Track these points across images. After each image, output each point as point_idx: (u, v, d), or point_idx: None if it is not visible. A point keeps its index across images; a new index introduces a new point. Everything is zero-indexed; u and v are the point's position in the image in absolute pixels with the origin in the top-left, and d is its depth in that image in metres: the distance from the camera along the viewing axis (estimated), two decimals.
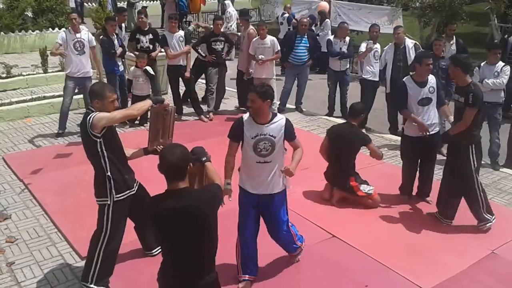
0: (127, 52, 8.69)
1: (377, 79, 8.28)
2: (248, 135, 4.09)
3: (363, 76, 8.36)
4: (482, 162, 7.03)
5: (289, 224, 4.49)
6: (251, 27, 9.11)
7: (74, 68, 7.50)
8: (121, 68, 8.34)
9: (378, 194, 5.83)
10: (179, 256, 2.99)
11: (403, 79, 5.76)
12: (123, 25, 9.32)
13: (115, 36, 8.23)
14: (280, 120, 4.11)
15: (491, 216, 5.27)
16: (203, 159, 3.30)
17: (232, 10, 14.44)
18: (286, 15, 13.67)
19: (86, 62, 7.57)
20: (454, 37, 8.27)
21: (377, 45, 8.29)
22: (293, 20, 13.07)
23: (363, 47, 8.24)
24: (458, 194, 5.32)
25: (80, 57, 7.50)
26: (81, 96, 9.15)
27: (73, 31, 7.48)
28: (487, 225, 5.26)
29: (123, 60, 8.50)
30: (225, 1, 15.46)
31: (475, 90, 5.06)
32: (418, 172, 5.93)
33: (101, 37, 8.29)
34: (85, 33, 7.61)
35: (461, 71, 5.11)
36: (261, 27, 8.65)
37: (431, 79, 5.58)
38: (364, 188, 5.69)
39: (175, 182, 2.92)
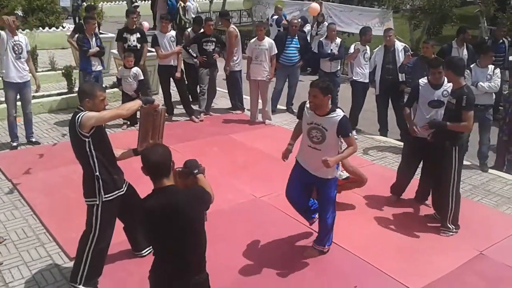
0: (105, 53, 8.66)
1: (367, 80, 8.31)
2: (305, 120, 4.50)
3: (353, 77, 8.38)
4: (470, 163, 7.13)
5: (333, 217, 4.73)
6: (232, 26, 9.16)
7: (14, 73, 6.99)
8: (100, 67, 8.31)
9: (367, 195, 5.86)
10: (167, 254, 3.02)
11: (419, 80, 5.80)
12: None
13: (94, 35, 8.19)
14: (336, 116, 4.35)
15: (454, 227, 5.27)
16: (195, 171, 3.31)
17: (191, 4, 14.76)
18: (275, 16, 13.71)
19: (24, 66, 7.14)
20: (465, 43, 8.34)
21: (367, 47, 8.32)
22: (283, 22, 13.11)
23: (352, 49, 8.28)
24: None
25: (19, 62, 7.05)
26: (70, 95, 9.16)
27: (10, 33, 7.00)
28: (448, 234, 5.26)
29: (102, 59, 8.43)
30: None
31: (468, 93, 5.07)
32: (420, 176, 5.94)
33: (77, 34, 8.33)
34: (22, 36, 7.24)
35: (452, 73, 5.12)
36: (258, 28, 8.68)
37: (448, 84, 5.51)
38: (340, 176, 5.52)
39: (161, 180, 2.98)
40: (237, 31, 9.11)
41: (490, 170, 7.13)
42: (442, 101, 5.52)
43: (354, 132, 8.33)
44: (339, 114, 4.36)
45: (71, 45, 9.40)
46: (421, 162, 5.87)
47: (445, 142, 5.15)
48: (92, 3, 13.42)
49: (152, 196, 2.99)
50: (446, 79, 5.57)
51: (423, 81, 5.71)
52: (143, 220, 3.04)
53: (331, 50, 8.73)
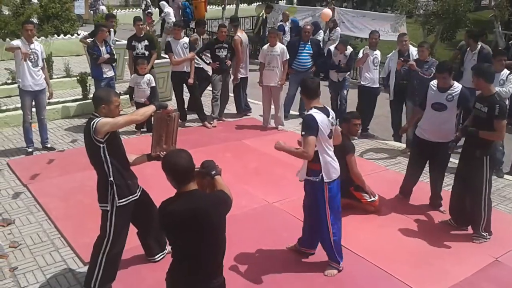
0: (115, 60, 8.81)
1: (376, 85, 8.31)
2: None
3: (361, 82, 8.38)
4: None
5: (330, 229, 4.54)
6: (238, 33, 9.22)
7: (30, 81, 7.08)
8: (111, 73, 8.40)
9: (381, 201, 5.84)
10: (186, 257, 3.03)
11: (431, 82, 5.81)
12: (111, 30, 9.44)
13: (104, 42, 8.30)
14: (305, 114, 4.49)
15: (487, 234, 5.23)
16: (213, 172, 3.32)
17: (167, 8, 15.12)
18: (280, 23, 13.86)
19: (40, 73, 7.22)
20: (479, 45, 8.19)
21: (377, 52, 8.31)
22: (287, 26, 13.28)
23: (361, 54, 8.25)
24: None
25: (35, 69, 7.11)
26: (85, 101, 9.26)
27: (27, 42, 7.08)
28: (480, 240, 5.22)
29: (112, 65, 8.53)
30: (161, 2, 16.17)
31: (500, 101, 4.98)
32: (430, 182, 5.94)
33: (88, 40, 8.47)
34: (38, 45, 7.31)
35: (484, 81, 5.02)
36: (271, 34, 8.70)
37: (456, 88, 5.50)
38: (367, 196, 5.71)
39: (187, 184, 3.00)
40: (242, 38, 9.13)
41: (505, 176, 7.06)
42: (444, 105, 5.52)
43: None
44: (308, 112, 4.42)
45: (83, 43, 9.54)
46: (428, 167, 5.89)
47: (476, 151, 5.09)
48: (108, 11, 13.58)
49: (176, 200, 3.01)
50: (455, 83, 5.55)
51: (433, 83, 5.70)
52: (165, 222, 3.05)
53: (339, 61, 8.67)
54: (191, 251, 2.99)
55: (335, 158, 4.49)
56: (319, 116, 4.31)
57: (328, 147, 4.42)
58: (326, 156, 4.39)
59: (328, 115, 4.40)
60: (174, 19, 14.44)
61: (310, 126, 4.27)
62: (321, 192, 4.46)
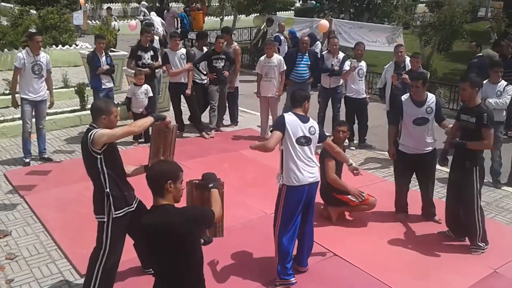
0: (115, 70, 8.80)
1: (361, 96, 8.39)
2: None
3: (346, 94, 8.43)
4: (484, 180, 7.04)
5: (276, 236, 4.58)
6: (235, 43, 9.33)
7: (31, 92, 7.14)
8: (110, 84, 8.41)
9: (378, 212, 5.82)
10: (161, 272, 3.01)
11: (402, 97, 5.79)
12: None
13: (104, 53, 8.35)
14: None
15: (484, 245, 5.22)
16: (210, 185, 3.30)
17: (154, 16, 15.21)
18: (276, 34, 13.96)
19: (42, 85, 7.28)
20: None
21: (362, 63, 8.36)
22: (282, 38, 13.30)
23: (347, 65, 8.29)
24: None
25: (38, 81, 7.16)
26: (83, 112, 9.26)
27: (33, 53, 7.18)
28: (478, 252, 5.20)
29: (112, 76, 8.54)
30: (143, 9, 16.08)
31: (487, 110, 5.02)
32: (420, 192, 5.93)
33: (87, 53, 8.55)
34: (44, 56, 7.35)
35: (477, 92, 5.07)
36: (268, 46, 8.74)
37: (431, 99, 5.55)
38: (353, 198, 5.56)
39: (156, 197, 3.00)
40: (241, 48, 9.25)
41: (503, 187, 7.06)
42: (426, 118, 5.51)
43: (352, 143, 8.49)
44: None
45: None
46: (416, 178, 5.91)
47: (465, 162, 5.09)
48: (106, 21, 13.65)
49: (148, 213, 3.03)
50: (428, 94, 5.56)
51: (404, 97, 5.68)
52: (140, 235, 3.07)
53: (332, 65, 8.65)
54: (164, 266, 2.95)
55: (306, 168, 4.44)
56: (289, 116, 4.48)
57: (298, 154, 4.43)
58: (290, 161, 4.44)
59: (305, 122, 4.49)
60: (160, 27, 14.44)
61: (277, 123, 4.56)
62: (280, 194, 4.56)
